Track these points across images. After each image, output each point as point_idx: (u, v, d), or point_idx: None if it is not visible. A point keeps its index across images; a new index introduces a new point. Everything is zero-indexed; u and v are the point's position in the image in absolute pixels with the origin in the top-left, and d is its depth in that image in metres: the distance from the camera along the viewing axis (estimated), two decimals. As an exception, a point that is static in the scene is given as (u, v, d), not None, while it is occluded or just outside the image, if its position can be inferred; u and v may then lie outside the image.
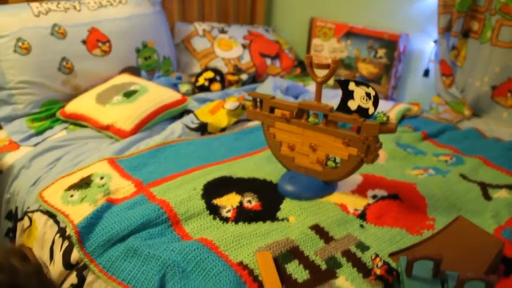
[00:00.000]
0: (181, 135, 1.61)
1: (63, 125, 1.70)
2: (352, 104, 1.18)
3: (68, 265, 1.13)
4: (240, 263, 1.00)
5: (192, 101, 1.85)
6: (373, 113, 1.17)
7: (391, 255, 1.05)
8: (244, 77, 2.20)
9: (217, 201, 1.21)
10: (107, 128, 1.61)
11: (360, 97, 1.17)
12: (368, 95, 1.16)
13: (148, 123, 1.63)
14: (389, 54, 2.20)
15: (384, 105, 2.00)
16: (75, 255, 1.13)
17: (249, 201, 1.22)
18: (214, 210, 1.18)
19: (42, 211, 1.27)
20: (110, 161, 1.39)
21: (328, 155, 1.26)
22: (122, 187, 1.28)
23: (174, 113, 1.73)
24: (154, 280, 0.96)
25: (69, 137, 1.61)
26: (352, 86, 1.17)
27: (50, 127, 1.68)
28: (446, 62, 2.05)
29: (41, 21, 1.75)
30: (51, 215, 1.25)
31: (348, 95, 1.18)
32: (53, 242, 1.21)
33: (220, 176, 1.31)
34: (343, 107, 1.20)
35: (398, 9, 2.20)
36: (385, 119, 1.15)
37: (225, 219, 1.15)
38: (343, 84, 1.18)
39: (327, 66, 1.22)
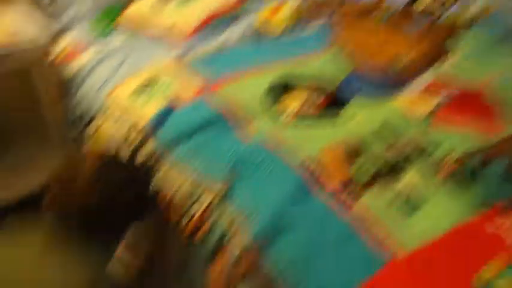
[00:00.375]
0: (243, 36, 1.58)
1: (125, 29, 1.69)
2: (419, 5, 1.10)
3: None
4: (303, 161, 1.00)
5: (251, 3, 1.78)
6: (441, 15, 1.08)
7: (465, 154, 1.02)
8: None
9: (281, 101, 1.20)
10: (168, 30, 1.59)
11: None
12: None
13: (209, 24, 1.60)
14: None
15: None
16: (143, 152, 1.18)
17: (314, 99, 1.20)
18: (278, 110, 1.17)
19: (109, 113, 1.31)
20: (174, 61, 1.40)
21: (397, 54, 1.20)
22: (187, 87, 1.29)
23: (234, 14, 1.68)
24: (224, 176, 0.99)
25: (131, 40, 1.61)
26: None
27: (112, 32, 1.68)
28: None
29: None
30: (119, 117, 1.29)
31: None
32: (121, 143, 1.26)
33: (285, 74, 1.28)
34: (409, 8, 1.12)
35: None
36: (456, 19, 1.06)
37: (289, 119, 1.15)
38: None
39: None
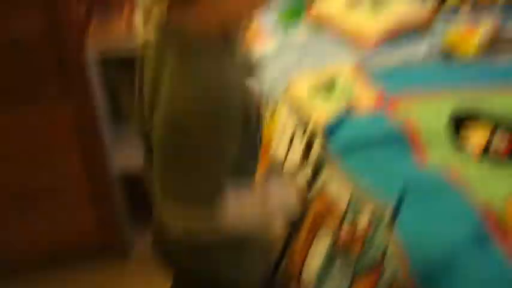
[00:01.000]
0: (429, 54, 1.52)
1: (310, 25, 1.73)
2: None
3: (305, 160, 1.22)
4: (486, 204, 0.94)
5: (439, 21, 1.71)
6: None
7: None
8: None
9: (464, 131, 1.14)
10: (354, 34, 1.60)
11: None
12: None
13: (396, 36, 1.58)
14: None
15: None
16: (313, 151, 1.20)
17: (501, 138, 1.12)
18: (460, 141, 1.12)
19: (287, 103, 1.36)
20: (355, 67, 1.41)
21: None
22: (366, 95, 1.28)
23: (423, 30, 1.63)
24: (393, 196, 0.97)
25: (315, 37, 1.65)
26: None
27: (297, 24, 1.73)
28: None
29: None
30: (295, 109, 1.33)
31: None
32: (293, 134, 1.30)
33: (472, 103, 1.21)
34: None
35: None
36: None
37: (471, 153, 1.09)
38: None
39: None
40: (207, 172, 0.78)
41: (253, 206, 0.92)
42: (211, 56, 0.75)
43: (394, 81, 1.34)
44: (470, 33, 1.60)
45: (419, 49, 1.55)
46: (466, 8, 1.89)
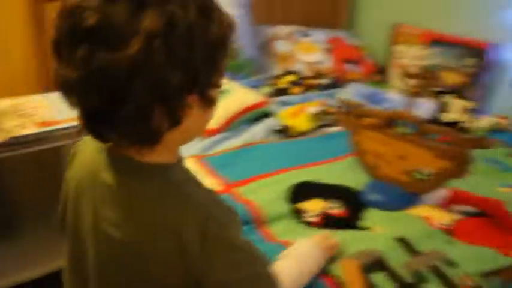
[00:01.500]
0: (264, 137, 1.65)
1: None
2: (446, 116, 1.16)
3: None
4: (324, 271, 1.01)
5: (273, 104, 1.88)
6: (467, 127, 1.14)
7: (484, 275, 1.02)
8: (324, 81, 2.21)
9: (301, 205, 1.23)
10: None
11: (455, 109, 1.15)
12: (464, 108, 1.13)
13: (233, 123, 1.68)
14: (477, 64, 2.11)
15: (471, 117, 1.93)
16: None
17: (333, 207, 1.23)
18: (299, 214, 1.20)
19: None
20: (196, 158, 1.46)
21: (416, 166, 1.24)
22: (209, 185, 1.33)
23: (257, 114, 1.77)
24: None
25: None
26: (447, 97, 1.15)
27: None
28: (540, 74, 1.94)
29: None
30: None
31: (442, 107, 1.16)
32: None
33: (305, 180, 1.32)
34: (436, 118, 1.18)
35: (487, 17, 2.11)
36: (480, 133, 1.12)
37: (309, 224, 1.17)
38: (438, 95, 1.16)
39: (420, 76, 1.20)
40: None
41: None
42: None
43: (234, 168, 1.41)
44: (301, 111, 1.78)
45: (258, 130, 1.67)
46: (297, 90, 2.11)
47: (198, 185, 0.70)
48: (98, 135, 0.63)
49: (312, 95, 2.05)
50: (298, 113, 1.75)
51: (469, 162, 1.14)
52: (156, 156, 0.65)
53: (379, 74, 2.45)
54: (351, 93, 1.97)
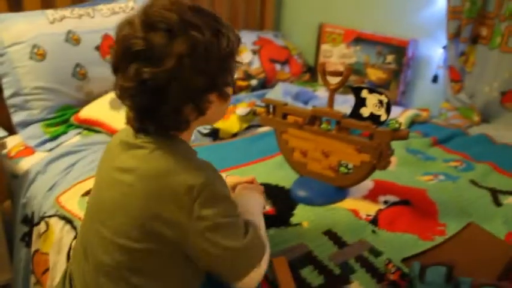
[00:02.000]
0: (194, 140, 1.63)
1: (77, 130, 1.72)
2: (365, 111, 1.20)
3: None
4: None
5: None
6: (385, 120, 1.18)
7: (404, 260, 1.06)
8: (253, 82, 2.23)
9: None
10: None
11: (372, 104, 1.19)
12: (381, 102, 1.18)
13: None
14: (398, 60, 2.21)
15: (392, 111, 2.01)
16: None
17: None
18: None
19: (59, 216, 1.30)
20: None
21: (341, 161, 1.28)
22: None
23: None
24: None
25: (84, 142, 1.63)
26: (365, 93, 1.19)
27: (65, 132, 1.70)
28: (455, 68, 2.06)
29: (56, 28, 1.78)
30: (68, 221, 1.27)
31: (360, 102, 1.20)
32: (70, 248, 1.23)
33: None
34: (355, 113, 1.22)
35: (407, 15, 2.21)
36: (397, 126, 1.17)
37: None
38: (356, 91, 1.20)
39: (339, 74, 1.23)
40: None
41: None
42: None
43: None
44: (230, 113, 1.78)
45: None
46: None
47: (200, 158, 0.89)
48: (142, 127, 0.84)
49: (242, 97, 2.06)
50: (227, 115, 1.75)
51: (389, 154, 1.19)
52: (180, 136, 0.87)
53: (308, 73, 2.50)
54: (279, 93, 2.00)
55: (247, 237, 0.85)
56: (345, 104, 1.91)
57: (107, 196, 0.87)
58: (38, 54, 1.71)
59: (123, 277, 0.85)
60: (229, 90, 0.87)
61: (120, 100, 0.82)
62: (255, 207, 1.02)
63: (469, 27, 1.98)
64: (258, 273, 0.87)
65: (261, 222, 0.97)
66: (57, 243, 1.28)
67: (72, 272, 0.95)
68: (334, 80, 1.24)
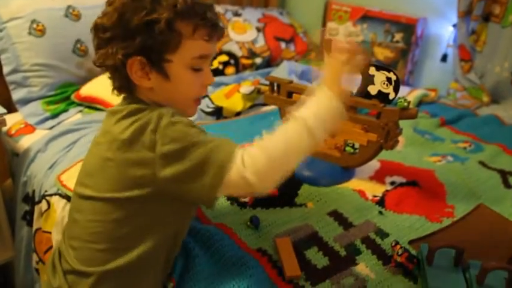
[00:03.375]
0: (197, 119, 1.60)
1: (78, 108, 1.69)
2: (372, 89, 1.16)
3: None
4: (259, 250, 0.99)
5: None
6: (393, 99, 1.15)
7: (411, 242, 1.04)
8: (258, 60, 2.18)
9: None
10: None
11: (380, 82, 1.15)
12: (389, 79, 1.14)
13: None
14: (407, 39, 2.15)
15: (400, 90, 1.97)
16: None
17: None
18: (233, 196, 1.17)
19: (60, 195, 1.27)
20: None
21: (347, 140, 1.24)
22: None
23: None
24: (177, 264, 0.96)
25: (85, 120, 1.60)
26: (372, 70, 1.15)
27: (65, 110, 1.67)
28: (465, 46, 2.01)
29: (55, 3, 1.74)
30: (70, 199, 1.25)
31: (368, 80, 1.16)
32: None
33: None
34: (362, 92, 1.18)
35: (416, -7, 2.15)
36: (406, 104, 1.13)
37: (243, 204, 1.14)
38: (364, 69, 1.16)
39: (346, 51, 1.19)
40: None
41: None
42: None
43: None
44: (234, 92, 1.75)
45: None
46: (231, 70, 2.07)
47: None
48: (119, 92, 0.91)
49: (246, 75, 2.02)
50: (231, 94, 1.71)
51: (396, 133, 1.15)
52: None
53: (314, 51, 2.45)
54: (284, 71, 1.95)
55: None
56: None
57: (88, 160, 0.91)
58: (37, 29, 1.67)
59: (107, 231, 0.85)
60: (173, 68, 0.84)
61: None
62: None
63: (481, 5, 1.92)
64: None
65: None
66: (59, 222, 1.26)
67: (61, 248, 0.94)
68: (342, 58, 1.20)
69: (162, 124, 0.79)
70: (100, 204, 0.85)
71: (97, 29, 0.85)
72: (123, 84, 0.88)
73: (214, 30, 0.87)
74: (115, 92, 0.91)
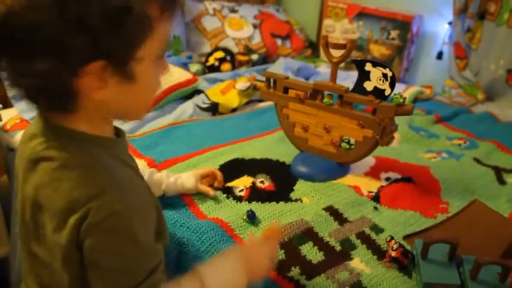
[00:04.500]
0: (193, 115, 1.60)
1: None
2: (368, 85, 1.17)
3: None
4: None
5: (203, 81, 1.83)
6: (389, 95, 1.15)
7: (406, 237, 1.04)
8: (254, 57, 2.18)
9: (230, 183, 1.20)
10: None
11: (376, 78, 1.15)
12: (385, 76, 1.14)
13: (160, 103, 1.62)
14: (402, 36, 2.16)
15: (396, 87, 1.98)
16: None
17: (262, 181, 1.21)
18: (227, 190, 1.17)
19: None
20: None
21: (342, 136, 1.25)
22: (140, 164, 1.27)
23: (185, 92, 1.72)
24: (171, 257, 0.96)
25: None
26: (368, 66, 1.15)
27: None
28: (461, 44, 2.02)
29: None
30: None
31: (364, 76, 1.17)
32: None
33: (233, 158, 1.29)
34: (358, 88, 1.18)
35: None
36: (401, 100, 1.14)
37: (238, 199, 1.14)
38: (359, 64, 1.16)
39: (342, 47, 1.19)
40: None
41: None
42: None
43: (159, 149, 1.35)
44: (230, 88, 1.75)
45: (186, 109, 1.62)
46: (227, 67, 2.07)
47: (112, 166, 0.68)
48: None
49: (242, 71, 2.02)
50: (227, 90, 1.71)
51: (392, 129, 1.16)
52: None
53: (309, 48, 2.45)
54: (280, 68, 1.96)
55: None
56: (347, 80, 1.88)
57: None
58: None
59: None
60: (136, 65, 0.63)
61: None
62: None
63: (477, 2, 1.93)
64: None
65: None
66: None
67: None
68: (337, 54, 1.21)
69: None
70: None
71: (14, 29, 0.57)
72: (55, 106, 0.65)
73: (176, 3, 0.68)
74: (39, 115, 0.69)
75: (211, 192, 1.13)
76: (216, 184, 1.17)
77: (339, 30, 2.35)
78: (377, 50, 2.24)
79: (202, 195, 1.15)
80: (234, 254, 0.80)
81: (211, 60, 2.06)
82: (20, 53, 0.59)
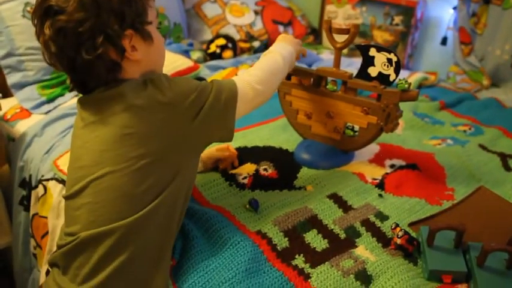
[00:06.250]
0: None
1: (74, 92, 1.67)
2: (373, 71, 1.15)
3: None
4: (258, 232, 0.98)
5: (204, 69, 1.81)
6: (394, 80, 1.13)
7: (411, 224, 1.03)
8: (256, 44, 2.16)
9: (233, 171, 1.19)
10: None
11: (381, 63, 1.13)
12: (389, 61, 1.12)
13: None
14: (406, 21, 2.13)
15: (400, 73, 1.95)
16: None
17: (265, 169, 1.19)
18: (231, 177, 1.16)
19: (57, 179, 1.26)
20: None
21: (346, 123, 1.23)
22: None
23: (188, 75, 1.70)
24: (177, 245, 0.95)
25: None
26: (373, 51, 1.13)
27: (61, 94, 1.65)
28: (466, 29, 1.99)
29: (50, -15, 1.70)
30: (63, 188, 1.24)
31: (368, 61, 1.15)
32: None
33: (236, 146, 1.28)
34: (362, 73, 1.16)
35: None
36: (406, 86, 1.12)
37: (242, 186, 1.13)
38: (363, 49, 1.14)
39: (346, 31, 1.17)
40: None
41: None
42: None
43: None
44: (232, 74, 1.73)
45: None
46: (229, 54, 2.05)
47: None
48: (84, 89, 0.88)
49: (244, 59, 1.99)
50: (229, 77, 1.69)
51: (397, 115, 1.14)
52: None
53: (312, 35, 2.42)
54: (283, 55, 1.93)
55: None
56: (350, 66, 1.85)
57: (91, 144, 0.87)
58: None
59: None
60: (152, 29, 0.88)
61: (53, 67, 0.86)
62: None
63: (482, -14, 1.89)
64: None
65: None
66: (56, 207, 1.25)
67: None
68: (340, 39, 1.18)
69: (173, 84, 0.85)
70: (120, 175, 0.81)
71: (69, 27, 0.79)
72: (109, 71, 0.83)
73: None
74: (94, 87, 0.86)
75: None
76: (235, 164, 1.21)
77: (342, 16, 2.32)
78: (380, 36, 2.21)
79: (206, 183, 1.13)
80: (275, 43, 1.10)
81: (213, 48, 2.03)
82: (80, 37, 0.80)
